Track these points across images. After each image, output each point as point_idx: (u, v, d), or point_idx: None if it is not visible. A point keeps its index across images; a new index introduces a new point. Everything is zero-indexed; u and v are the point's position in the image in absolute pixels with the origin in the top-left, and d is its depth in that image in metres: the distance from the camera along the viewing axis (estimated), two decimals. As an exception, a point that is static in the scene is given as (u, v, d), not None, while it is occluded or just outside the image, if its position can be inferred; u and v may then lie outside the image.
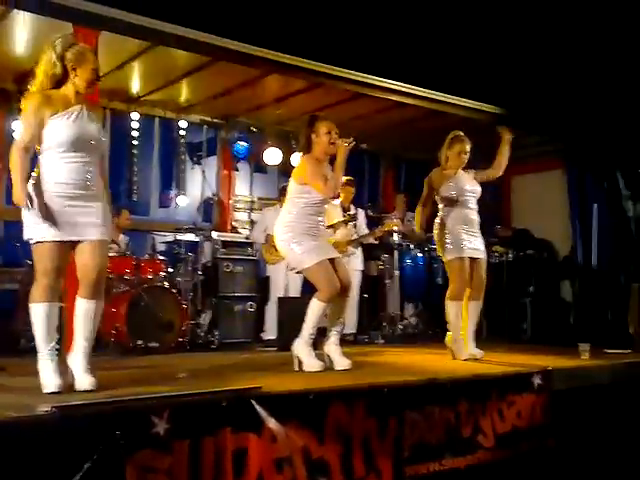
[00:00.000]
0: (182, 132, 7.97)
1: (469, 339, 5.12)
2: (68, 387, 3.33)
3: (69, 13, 5.21)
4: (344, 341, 6.97)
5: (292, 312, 5.59)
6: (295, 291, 6.82)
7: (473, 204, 5.21)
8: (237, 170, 8.27)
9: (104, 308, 5.62)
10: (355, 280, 7.17)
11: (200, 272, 6.67)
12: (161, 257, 6.50)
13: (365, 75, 6.97)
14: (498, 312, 7.82)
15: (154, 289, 6.07)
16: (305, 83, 6.96)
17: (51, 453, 2.53)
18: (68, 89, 3.40)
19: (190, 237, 6.91)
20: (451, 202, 5.14)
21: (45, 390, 3.23)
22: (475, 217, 5.20)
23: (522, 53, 8.08)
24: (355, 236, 7.14)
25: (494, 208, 9.58)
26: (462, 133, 5.26)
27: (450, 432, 3.82)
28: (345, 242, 7.09)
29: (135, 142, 7.68)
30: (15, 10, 5.26)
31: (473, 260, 5.10)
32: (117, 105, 7.61)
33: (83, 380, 3.36)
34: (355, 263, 7.18)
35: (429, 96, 7.49)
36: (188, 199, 7.97)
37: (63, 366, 3.40)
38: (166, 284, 6.24)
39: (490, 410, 4.01)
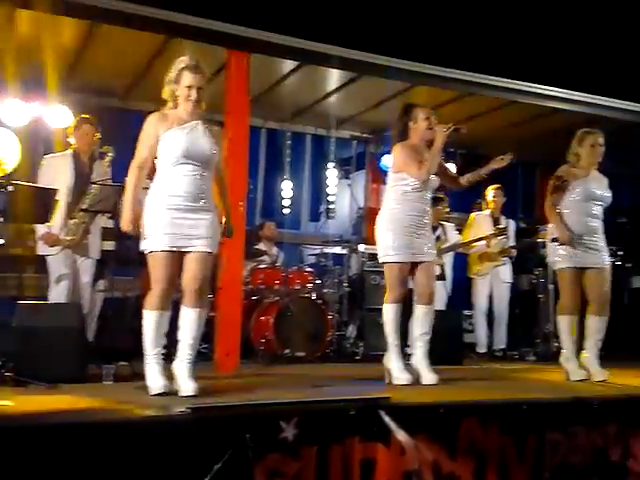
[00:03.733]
0: (332, 148, 8.16)
1: (591, 358, 4.65)
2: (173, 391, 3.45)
3: (222, 38, 5.55)
4: (494, 356, 6.84)
5: (437, 326, 5.49)
6: (441, 304, 6.70)
7: (598, 211, 4.74)
8: (385, 183, 8.29)
9: (255, 318, 6.08)
10: (503, 292, 6.96)
11: (346, 284, 6.77)
12: (309, 269, 6.67)
13: (516, 82, 6.75)
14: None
15: (301, 300, 6.25)
16: (454, 93, 6.86)
17: (183, 453, 2.66)
18: (182, 108, 3.60)
19: (338, 250, 7.04)
20: (573, 207, 4.72)
21: (151, 392, 3.39)
22: (598, 225, 4.73)
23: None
24: (506, 246, 6.95)
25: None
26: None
27: (596, 455, 3.58)
28: (497, 253, 6.92)
29: (288, 159, 8.00)
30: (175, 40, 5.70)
31: (591, 270, 4.65)
32: (271, 124, 7.98)
33: (187, 386, 3.43)
34: (504, 275, 6.96)
35: (589, 101, 7.10)
36: (337, 213, 8.14)
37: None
38: (313, 295, 6.41)
39: (643, 434, 3.71)
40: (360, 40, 6.23)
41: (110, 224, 5.26)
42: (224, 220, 3.82)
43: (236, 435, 2.77)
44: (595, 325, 4.66)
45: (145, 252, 3.55)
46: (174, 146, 3.51)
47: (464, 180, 4.57)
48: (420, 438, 3.15)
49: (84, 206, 4.76)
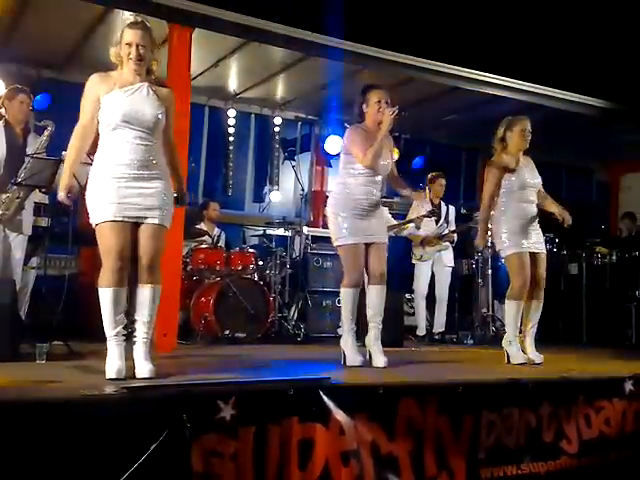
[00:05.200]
0: (277, 129, 8.08)
1: (529, 341, 4.76)
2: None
3: (164, 11, 5.40)
4: (433, 339, 6.93)
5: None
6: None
7: (533, 196, 4.81)
8: (330, 166, 8.29)
9: (194, 299, 5.98)
10: (444, 277, 7.03)
11: (289, 266, 6.74)
12: (251, 250, 6.61)
13: (459, 68, 6.80)
14: (600, 317, 7.45)
15: (243, 281, 6.19)
16: (399, 77, 6.85)
17: (119, 432, 2.59)
18: (126, 69, 3.37)
19: (281, 232, 6.99)
20: (510, 194, 4.76)
21: (107, 376, 3.20)
22: (534, 211, 4.81)
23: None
24: (446, 231, 7.02)
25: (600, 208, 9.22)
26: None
27: (530, 436, 3.65)
28: (438, 238, 6.99)
29: (231, 138, 7.87)
30: (115, 11, 5.52)
31: (533, 255, 4.73)
32: (215, 102, 7.85)
33: (143, 368, 3.27)
34: (446, 259, 7.04)
35: (529, 89, 7.22)
36: (281, 194, 8.09)
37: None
38: (255, 276, 6.36)
39: (575, 415, 3.80)
40: (305, 20, 6.17)
41: (45, 199, 5.09)
42: (176, 189, 3.57)
43: (173, 415, 2.71)
44: (534, 309, 4.75)
45: (93, 225, 3.30)
46: (113, 109, 3.28)
47: (400, 186, 4.60)
48: (359, 418, 3.15)
49: (18, 180, 4.57)
